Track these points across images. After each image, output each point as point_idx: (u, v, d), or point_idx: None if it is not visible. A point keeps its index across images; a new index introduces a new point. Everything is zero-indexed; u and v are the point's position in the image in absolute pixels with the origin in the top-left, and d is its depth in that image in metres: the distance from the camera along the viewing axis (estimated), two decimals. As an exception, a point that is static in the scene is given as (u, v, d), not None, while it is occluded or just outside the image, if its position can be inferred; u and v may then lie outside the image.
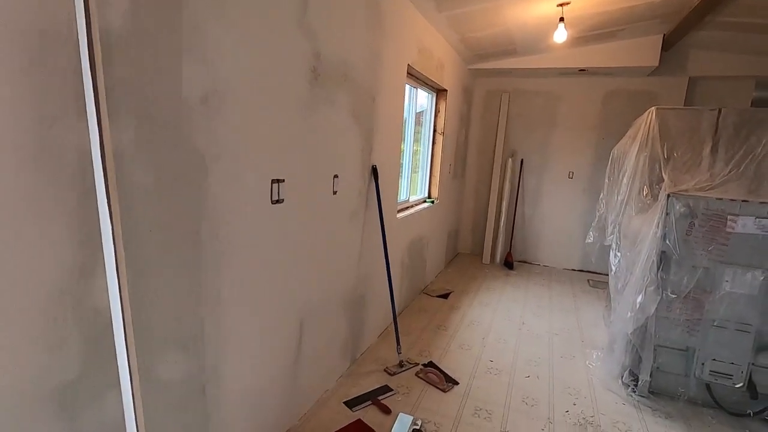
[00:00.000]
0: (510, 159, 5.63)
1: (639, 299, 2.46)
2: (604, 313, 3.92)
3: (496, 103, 5.67)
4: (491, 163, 5.78)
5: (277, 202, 1.84)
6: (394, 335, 2.95)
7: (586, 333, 3.62)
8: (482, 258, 5.77)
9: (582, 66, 4.64)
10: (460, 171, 5.62)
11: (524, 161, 5.66)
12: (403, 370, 2.83)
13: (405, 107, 3.34)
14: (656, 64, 4.38)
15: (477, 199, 6.02)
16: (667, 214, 2.46)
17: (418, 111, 4.36)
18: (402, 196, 3.98)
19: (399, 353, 2.88)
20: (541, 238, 5.72)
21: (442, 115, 4.48)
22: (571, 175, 5.49)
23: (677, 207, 2.44)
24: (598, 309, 4.19)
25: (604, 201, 3.76)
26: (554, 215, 5.62)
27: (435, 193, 4.63)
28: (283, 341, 2.04)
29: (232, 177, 1.56)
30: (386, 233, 2.96)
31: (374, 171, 2.79)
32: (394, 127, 3.12)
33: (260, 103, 1.66)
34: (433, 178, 4.62)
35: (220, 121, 1.47)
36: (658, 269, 2.47)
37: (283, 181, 1.87)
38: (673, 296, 2.45)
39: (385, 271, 2.95)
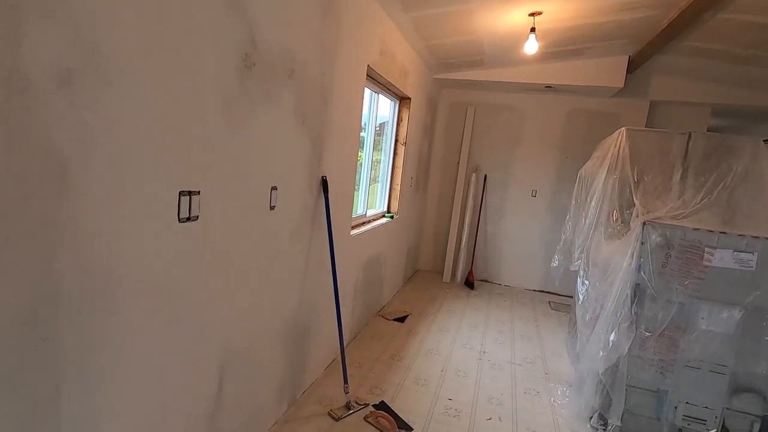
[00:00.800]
0: (474, 174, 5.43)
1: (612, 337, 2.23)
2: (567, 340, 3.73)
3: (461, 116, 5.47)
4: (455, 177, 5.56)
5: (188, 219, 1.44)
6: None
7: (550, 364, 3.40)
8: (443, 276, 5.51)
9: (549, 82, 4.52)
10: (423, 184, 5.36)
11: (488, 177, 5.48)
12: (351, 413, 2.46)
13: (365, 112, 3.02)
14: (621, 85, 4.32)
15: (439, 214, 5.77)
16: (642, 243, 2.26)
17: (381, 121, 4.06)
18: (359, 210, 3.64)
19: (346, 392, 2.51)
20: (503, 256, 5.55)
21: (404, 124, 4.19)
22: (534, 194, 5.36)
23: (653, 237, 2.24)
24: (561, 336, 4.00)
25: (570, 223, 3.59)
26: (516, 234, 5.46)
27: (395, 208, 4.32)
28: (194, 397, 1.62)
29: (113, 187, 1.15)
30: (336, 253, 2.59)
31: (324, 182, 2.42)
32: (351, 133, 2.78)
33: (162, 88, 1.27)
34: (393, 191, 4.31)
35: (93, 110, 1.07)
36: (632, 304, 2.26)
37: (198, 193, 1.47)
38: (648, 334, 2.24)
39: (334, 297, 2.57)
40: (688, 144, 2.82)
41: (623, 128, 2.95)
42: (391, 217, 4.15)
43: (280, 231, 2.06)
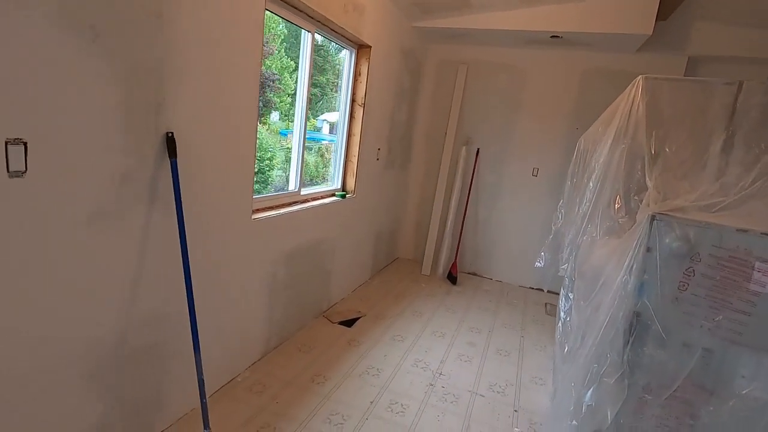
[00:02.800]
0: (464, 148, 4.52)
1: (588, 397, 1.40)
2: (556, 361, 2.89)
3: (450, 77, 4.54)
4: (441, 151, 4.67)
5: None
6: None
7: (525, 395, 2.58)
8: (422, 267, 4.70)
9: (555, 30, 3.53)
10: (400, 159, 4.50)
11: (480, 151, 4.57)
12: (213, 469, 1.74)
13: (302, 59, 2.19)
14: (649, 32, 3.29)
15: (423, 195, 4.92)
16: (647, 249, 1.39)
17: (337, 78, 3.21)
18: (289, 187, 2.86)
19: (208, 441, 1.79)
20: (496, 246, 4.67)
21: (362, 80, 3.33)
22: (535, 173, 4.42)
23: (667, 239, 1.37)
24: (550, 352, 3.16)
25: (562, 211, 2.71)
26: (513, 220, 4.56)
27: (351, 185, 3.50)
28: None
29: None
30: (222, 244, 1.84)
31: (169, 141, 1.64)
32: (240, 78, 1.97)
33: None
34: (348, 164, 3.49)
35: None
36: (625, 345, 1.41)
37: None
38: (648, 397, 1.40)
39: (188, 304, 1.83)
40: (736, 99, 1.88)
41: (639, 77, 2.02)
42: (343, 197, 3.35)
43: (57, 211, 1.31)
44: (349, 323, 3.23)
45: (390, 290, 4.04)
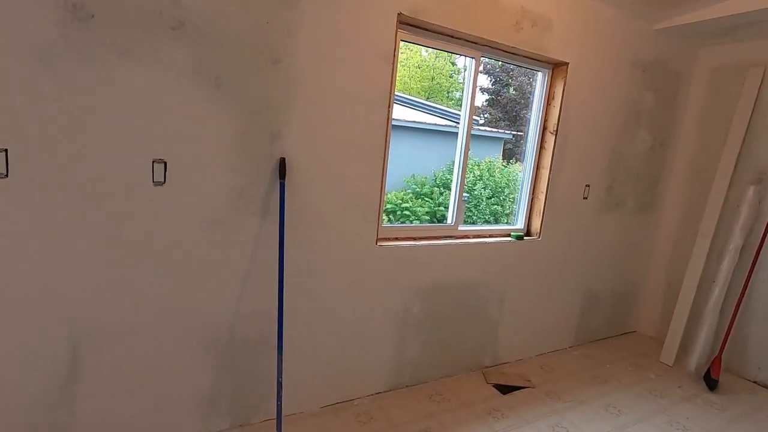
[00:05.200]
0: (752, 188, 3.04)
1: None
2: None
3: (731, 88, 3.19)
4: (708, 190, 3.29)
5: (-11, 177, 1.44)
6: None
7: None
8: (662, 353, 3.35)
9: None
10: (636, 201, 3.45)
11: (783, 193, 2.93)
12: (276, 474, 1.83)
13: (467, 91, 2.18)
14: None
15: (677, 250, 3.57)
16: None
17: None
18: (449, 220, 2.73)
19: (278, 445, 1.89)
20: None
21: (556, 104, 2.82)
22: None
23: None
24: None
25: None
26: None
27: (536, 226, 2.97)
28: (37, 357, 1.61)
29: None
30: (342, 265, 2.02)
31: (281, 165, 1.92)
32: (365, 110, 2.10)
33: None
34: (535, 202, 2.98)
35: None
36: None
37: (6, 150, 1.44)
38: None
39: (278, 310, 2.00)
40: None
41: None
42: (519, 238, 2.87)
43: (181, 214, 1.77)
44: (505, 389, 2.69)
45: (591, 368, 3.09)
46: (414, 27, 2.23)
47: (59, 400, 1.68)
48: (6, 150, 1.45)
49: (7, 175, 1.46)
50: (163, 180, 1.71)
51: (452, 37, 2.37)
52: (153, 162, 1.69)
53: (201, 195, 1.80)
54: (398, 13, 2.08)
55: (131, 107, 1.61)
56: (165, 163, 1.71)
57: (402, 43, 2.24)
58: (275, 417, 2.01)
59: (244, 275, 1.96)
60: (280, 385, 1.90)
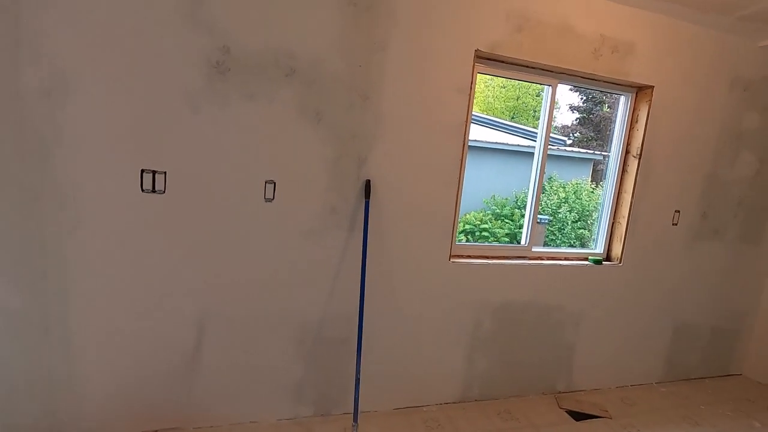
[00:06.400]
0: None
1: None
2: None
3: None
4: (831, 222, 2.92)
5: (153, 191, 1.91)
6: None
7: None
8: (771, 399, 2.99)
9: None
10: (737, 230, 3.17)
11: None
12: (351, 461, 2.06)
13: (543, 118, 2.34)
14: None
15: (792, 287, 3.18)
16: None
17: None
18: (522, 241, 2.80)
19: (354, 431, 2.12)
20: None
21: (640, 127, 2.77)
22: None
23: None
24: None
25: None
26: None
27: (617, 251, 2.89)
28: (165, 332, 2.05)
29: (90, 163, 1.80)
30: (418, 279, 2.31)
31: (366, 186, 2.20)
32: (441, 138, 2.31)
33: (126, 95, 1.82)
34: (616, 226, 2.91)
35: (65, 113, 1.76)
36: None
37: (165, 173, 1.91)
38: None
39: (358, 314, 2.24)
40: None
41: None
42: (597, 263, 2.82)
43: (284, 225, 2.13)
44: (578, 416, 2.63)
45: (681, 407, 2.87)
46: (490, 60, 2.41)
47: (184, 373, 2.09)
48: (165, 172, 1.92)
49: (164, 192, 1.93)
50: (272, 197, 2.09)
51: (528, 67, 2.50)
52: (265, 182, 2.07)
53: (302, 210, 2.14)
54: (476, 50, 2.28)
55: (251, 139, 2.01)
56: (274, 183, 2.08)
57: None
58: (352, 411, 2.24)
59: (332, 282, 2.25)
60: (358, 381, 2.14)
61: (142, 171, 1.89)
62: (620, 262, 2.87)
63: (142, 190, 1.90)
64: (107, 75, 1.79)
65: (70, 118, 1.77)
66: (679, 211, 2.95)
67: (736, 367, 3.45)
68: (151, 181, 1.90)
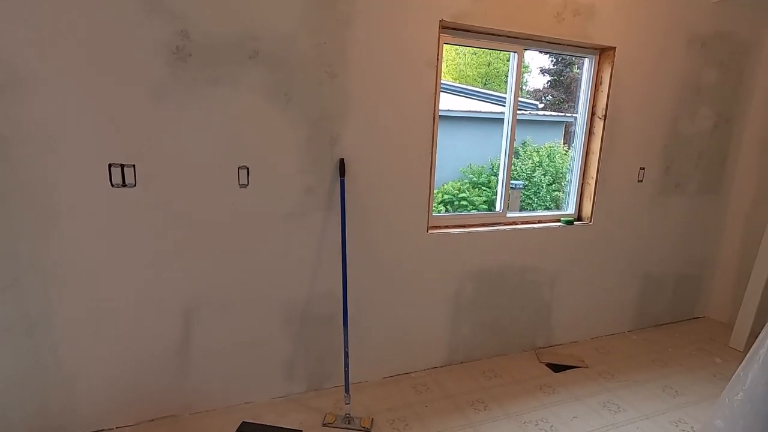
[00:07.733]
0: (833, 162, 2.84)
1: None
2: None
3: (806, 56, 2.98)
4: (783, 169, 3.10)
5: (123, 185, 1.88)
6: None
7: None
8: (730, 338, 3.24)
9: None
10: (699, 182, 3.33)
11: None
12: (346, 429, 2.16)
13: (510, 85, 2.35)
14: None
15: (748, 231, 3.40)
16: None
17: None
18: (497, 207, 2.88)
19: (347, 402, 2.21)
20: None
21: (604, 88, 2.84)
22: None
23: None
24: None
25: None
26: None
27: (587, 211, 3.02)
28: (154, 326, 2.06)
29: (55, 160, 1.75)
30: (395, 252, 2.31)
31: (341, 165, 2.21)
32: (411, 112, 2.33)
33: (85, 87, 1.76)
34: (585, 187, 3.02)
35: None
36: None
37: (134, 165, 1.88)
38: None
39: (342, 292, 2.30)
40: None
41: None
42: (569, 223, 2.94)
43: (261, 209, 2.13)
44: (557, 368, 2.80)
45: (651, 352, 3.09)
46: (456, 30, 2.41)
47: (175, 361, 2.13)
48: (134, 165, 1.88)
49: (135, 185, 1.90)
50: (246, 182, 2.08)
51: (494, 35, 2.51)
52: (238, 168, 2.06)
53: (277, 193, 2.15)
54: (440, 20, 2.28)
55: (220, 125, 1.98)
56: (248, 169, 2.07)
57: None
58: (344, 383, 2.33)
59: (315, 260, 2.29)
60: (346, 354, 2.21)
61: (110, 165, 1.85)
62: (591, 222, 3.00)
63: (112, 185, 1.87)
64: (63, 68, 1.72)
65: (28, 115, 1.71)
66: (644, 168, 3.08)
67: (700, 311, 3.70)
68: (120, 175, 1.87)
